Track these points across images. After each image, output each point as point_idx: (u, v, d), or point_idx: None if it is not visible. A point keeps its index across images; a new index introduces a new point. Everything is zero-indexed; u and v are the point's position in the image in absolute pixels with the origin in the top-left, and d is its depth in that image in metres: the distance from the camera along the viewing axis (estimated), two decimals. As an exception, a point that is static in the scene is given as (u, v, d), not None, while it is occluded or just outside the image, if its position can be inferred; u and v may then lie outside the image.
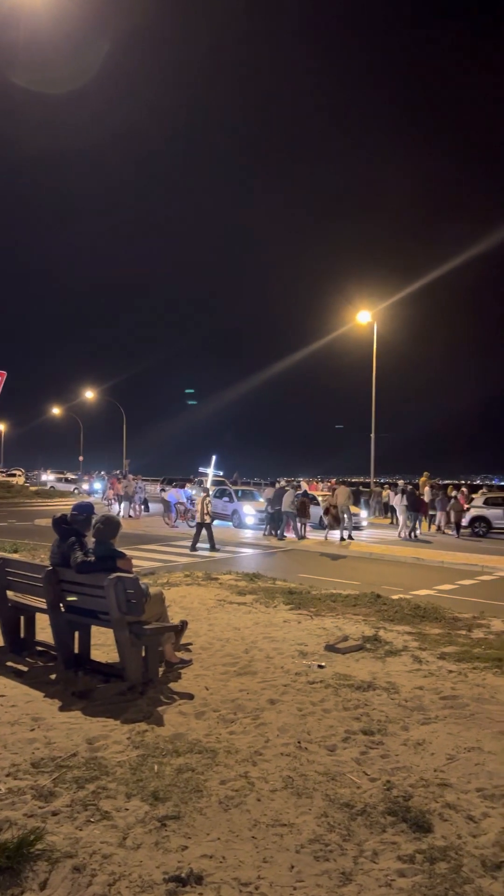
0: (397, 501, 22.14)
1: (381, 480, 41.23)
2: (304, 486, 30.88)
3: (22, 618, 6.37)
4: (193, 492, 24.32)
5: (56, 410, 70.40)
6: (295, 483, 28.93)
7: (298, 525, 19.37)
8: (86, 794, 3.45)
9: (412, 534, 20.73)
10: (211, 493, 18.06)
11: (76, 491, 50.68)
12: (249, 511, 23.29)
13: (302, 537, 19.21)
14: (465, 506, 23.58)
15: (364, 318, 32.23)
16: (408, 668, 5.90)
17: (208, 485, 18.03)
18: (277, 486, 21.43)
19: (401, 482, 32.24)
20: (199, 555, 15.49)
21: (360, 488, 33.94)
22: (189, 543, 16.60)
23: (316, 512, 22.64)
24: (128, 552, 5.87)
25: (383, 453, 34.09)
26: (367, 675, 5.65)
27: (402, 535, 20.77)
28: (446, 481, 43.90)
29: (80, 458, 66.99)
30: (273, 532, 19.65)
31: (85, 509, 6.06)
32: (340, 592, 9.80)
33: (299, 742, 4.20)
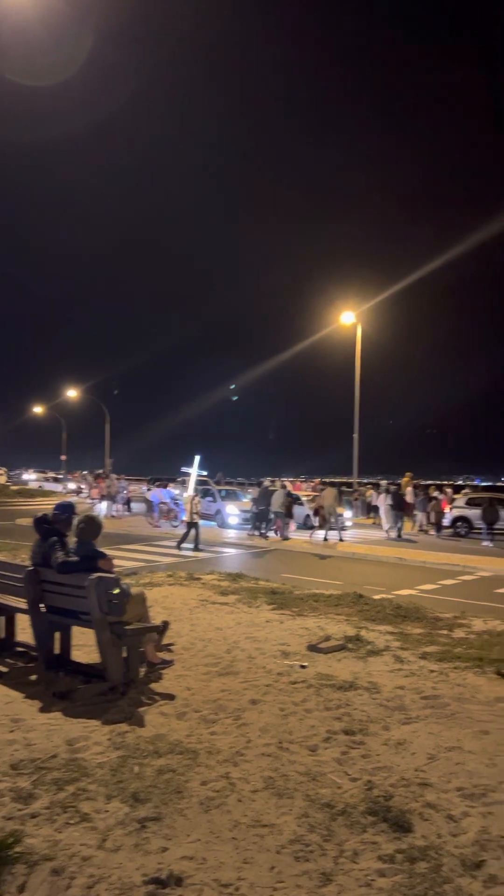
0: (381, 501, 22.26)
1: (365, 481, 41.34)
2: (289, 486, 30.92)
3: (2, 618, 6.32)
4: (177, 492, 24.26)
5: (38, 409, 69.82)
6: (283, 483, 29.05)
7: (283, 525, 19.41)
8: (65, 796, 3.42)
9: (398, 533, 20.86)
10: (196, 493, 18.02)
11: (64, 490, 50.44)
12: (233, 511, 23.27)
13: (286, 538, 19.23)
14: (447, 506, 23.79)
15: (348, 318, 32.38)
16: (389, 668, 5.92)
17: (191, 485, 17.95)
18: (262, 485, 21.47)
19: (383, 482, 32.42)
20: (182, 554, 15.45)
21: (344, 488, 34.04)
22: (173, 543, 16.58)
23: (300, 512, 22.70)
24: (110, 552, 5.84)
25: (366, 453, 34.19)
26: (349, 674, 5.66)
27: (391, 535, 20.87)
28: (428, 482, 44.16)
29: (63, 458, 66.64)
30: (258, 532, 19.66)
31: (66, 509, 6.01)
32: (323, 592, 9.82)
33: (281, 742, 4.19)
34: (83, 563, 5.39)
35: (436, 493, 25.14)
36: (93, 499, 30.76)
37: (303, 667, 5.85)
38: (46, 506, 27.53)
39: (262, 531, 19.62)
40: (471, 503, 23.38)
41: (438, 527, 22.81)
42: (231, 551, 16.94)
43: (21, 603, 5.86)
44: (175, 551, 15.86)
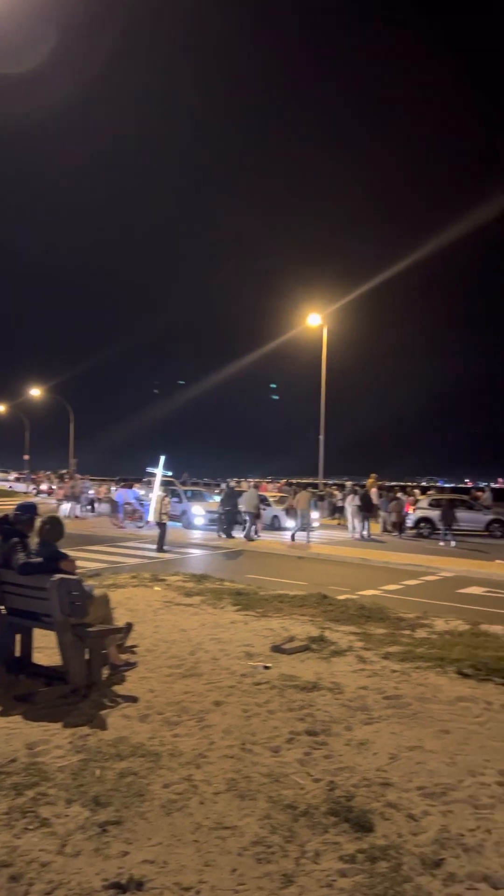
0: (348, 502, 22.43)
1: (330, 482, 41.61)
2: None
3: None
4: (142, 492, 24.09)
5: (0, 408, 68.64)
6: (254, 483, 29.29)
7: (250, 526, 19.45)
8: (24, 801, 3.37)
9: (367, 534, 21.07)
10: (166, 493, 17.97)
11: (34, 490, 49.83)
12: (199, 511, 23.19)
13: (251, 538, 19.25)
14: (410, 508, 24.17)
15: (314, 320, 32.52)
16: (352, 669, 5.96)
17: (156, 485, 17.83)
18: (228, 485, 21.50)
19: (349, 483, 32.69)
20: (147, 556, 15.36)
21: (310, 489, 34.21)
22: (137, 544, 16.46)
23: (267, 513, 22.78)
24: (73, 553, 5.78)
25: (331, 454, 34.38)
26: (313, 675, 5.68)
27: (360, 535, 21.03)
28: (392, 483, 44.62)
29: (26, 457, 65.69)
30: (224, 533, 19.65)
31: (28, 509, 5.93)
32: (288, 593, 9.84)
33: (244, 744, 4.19)
34: (45, 565, 5.31)
35: (399, 495, 25.43)
36: (57, 499, 30.40)
37: (266, 668, 5.86)
38: (8, 506, 27.08)
39: (228, 532, 19.61)
40: (433, 504, 23.72)
41: (401, 527, 23.12)
42: (197, 552, 16.89)
43: (-19, 605, 5.75)
44: (140, 552, 15.76)
